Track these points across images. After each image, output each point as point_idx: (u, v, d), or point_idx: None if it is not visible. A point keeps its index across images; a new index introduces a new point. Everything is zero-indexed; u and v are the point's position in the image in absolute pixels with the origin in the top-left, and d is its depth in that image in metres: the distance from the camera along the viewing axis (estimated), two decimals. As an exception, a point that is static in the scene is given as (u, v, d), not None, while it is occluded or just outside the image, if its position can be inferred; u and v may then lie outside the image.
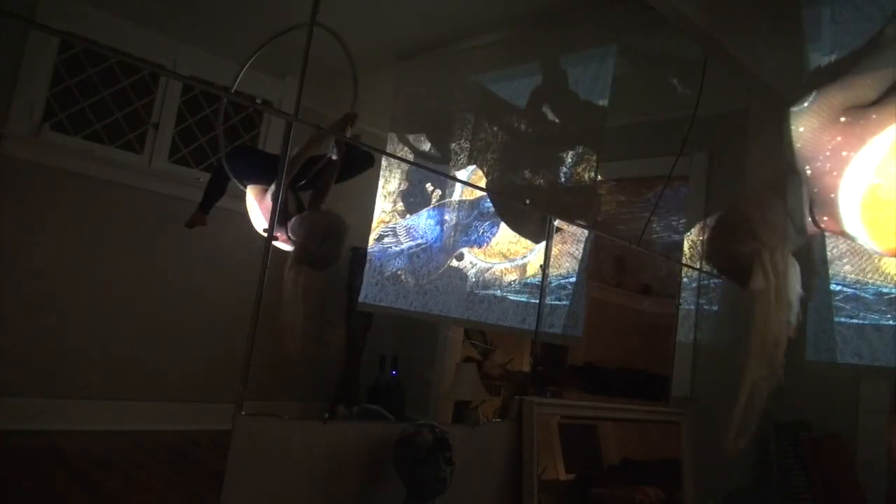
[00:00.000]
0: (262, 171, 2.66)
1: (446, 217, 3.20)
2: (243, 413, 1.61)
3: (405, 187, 3.32)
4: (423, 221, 3.22)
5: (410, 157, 3.34)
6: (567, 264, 2.92)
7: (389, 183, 3.35)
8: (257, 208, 2.57)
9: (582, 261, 2.90)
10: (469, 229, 3.14)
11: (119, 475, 2.51)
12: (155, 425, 3.07)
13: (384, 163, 3.33)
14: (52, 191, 2.93)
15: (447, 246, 3.14)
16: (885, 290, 2.64)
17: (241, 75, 2.46)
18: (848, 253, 2.76)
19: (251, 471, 1.63)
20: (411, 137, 3.32)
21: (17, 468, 2.38)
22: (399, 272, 3.20)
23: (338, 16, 2.03)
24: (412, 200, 3.28)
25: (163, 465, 2.77)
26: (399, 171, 3.32)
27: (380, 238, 3.29)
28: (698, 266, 3.16)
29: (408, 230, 3.25)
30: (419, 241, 3.19)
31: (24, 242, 2.84)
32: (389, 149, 3.31)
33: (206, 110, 3.40)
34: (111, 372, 3.00)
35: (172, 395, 3.13)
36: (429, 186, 3.25)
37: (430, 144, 3.35)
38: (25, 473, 2.35)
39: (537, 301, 2.64)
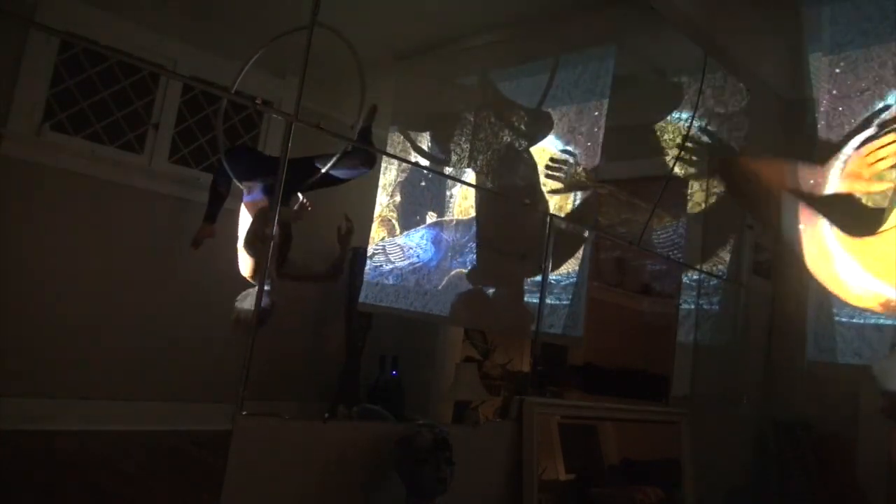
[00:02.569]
0: (261, 170, 2.67)
1: (442, 237, 3.20)
2: (243, 413, 1.61)
3: (402, 178, 3.32)
4: (417, 241, 3.22)
5: (410, 155, 3.35)
6: (567, 264, 2.92)
7: (387, 174, 3.35)
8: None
9: (582, 261, 2.90)
10: (464, 250, 3.14)
11: (119, 475, 2.51)
12: (155, 425, 3.07)
13: (383, 161, 3.33)
14: (52, 191, 2.92)
15: (442, 266, 3.13)
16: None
17: (241, 75, 2.46)
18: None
19: (251, 471, 1.63)
20: (411, 137, 3.32)
21: (17, 468, 2.38)
22: (393, 289, 3.20)
23: (338, 16, 2.03)
24: (408, 210, 3.28)
25: (163, 465, 2.77)
26: (396, 163, 3.33)
27: (371, 256, 3.29)
28: (698, 266, 3.16)
29: (401, 248, 3.25)
30: (412, 260, 3.19)
31: (24, 242, 2.83)
32: (389, 147, 3.31)
33: (206, 110, 3.40)
34: (111, 372, 3.00)
35: (172, 395, 3.13)
36: (430, 214, 3.24)
37: (429, 144, 3.35)
38: (25, 473, 2.35)
39: (537, 301, 2.64)
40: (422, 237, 3.21)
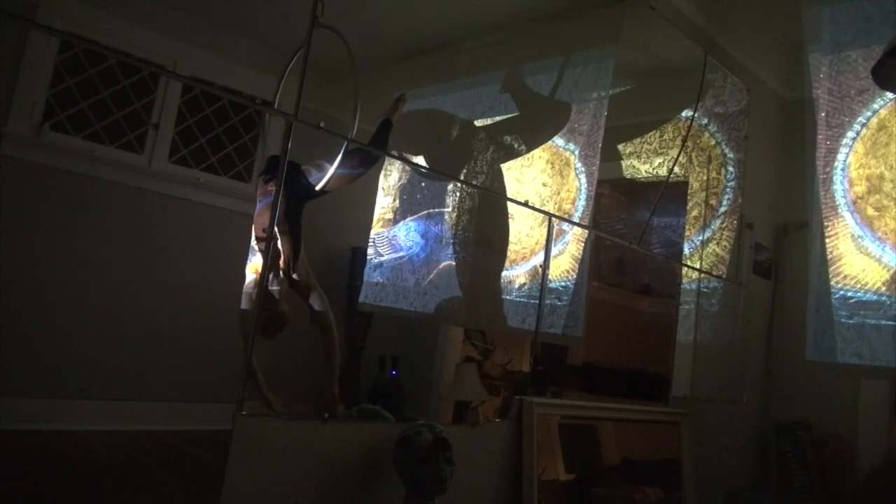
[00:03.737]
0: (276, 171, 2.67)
1: (430, 229, 3.19)
2: (243, 413, 1.61)
3: (405, 180, 3.32)
4: (406, 233, 3.22)
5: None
6: (567, 265, 2.92)
7: (389, 177, 3.35)
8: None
9: (582, 261, 2.90)
10: (452, 242, 3.13)
11: (119, 475, 2.51)
12: (155, 425, 3.07)
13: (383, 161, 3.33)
14: (52, 191, 2.93)
15: (431, 259, 3.13)
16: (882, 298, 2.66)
17: (279, 89, 2.44)
18: (847, 253, 2.76)
19: (251, 471, 1.63)
20: (410, 138, 3.31)
21: (18, 468, 2.38)
22: (381, 284, 3.19)
23: (338, 16, 2.03)
24: (409, 211, 3.27)
25: (163, 465, 2.76)
26: (398, 164, 3.33)
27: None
28: (698, 266, 3.17)
29: (389, 241, 3.24)
30: (402, 253, 3.19)
31: (24, 242, 2.83)
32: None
33: (206, 110, 3.40)
34: (111, 372, 3.00)
35: (172, 395, 3.13)
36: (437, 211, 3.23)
37: (428, 145, 3.34)
38: (25, 473, 2.35)
39: (537, 301, 2.64)
40: (411, 229, 3.21)
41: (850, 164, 2.77)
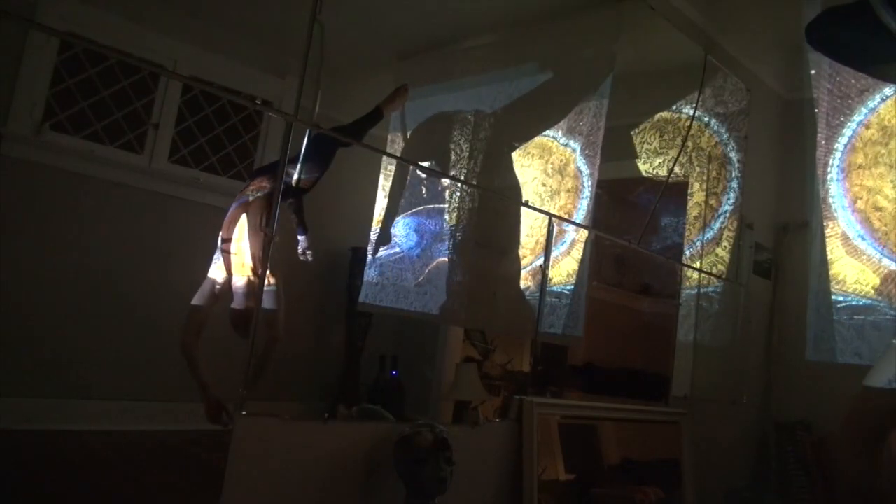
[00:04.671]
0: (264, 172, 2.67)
1: (425, 225, 3.19)
2: (243, 413, 1.61)
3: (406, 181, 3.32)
4: (403, 231, 3.21)
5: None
6: (572, 268, 2.92)
7: (390, 178, 3.34)
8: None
9: (582, 261, 2.90)
10: (445, 238, 3.13)
11: (119, 475, 2.51)
12: (155, 425, 3.06)
13: (384, 161, 3.33)
14: (52, 191, 2.92)
15: (426, 255, 3.13)
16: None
17: (318, 94, 2.43)
18: (842, 255, 2.76)
19: (251, 471, 1.63)
20: (410, 139, 3.31)
21: (18, 468, 2.38)
22: (381, 283, 3.19)
23: (338, 15, 2.03)
24: (407, 206, 3.27)
25: (163, 465, 2.76)
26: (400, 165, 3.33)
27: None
28: (698, 266, 3.17)
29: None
30: (395, 249, 3.19)
31: (24, 242, 2.83)
32: (389, 148, 3.31)
33: (206, 110, 3.40)
34: (111, 372, 3.00)
35: (172, 395, 3.13)
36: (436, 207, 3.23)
37: (428, 145, 3.34)
38: (25, 473, 2.34)
39: (537, 301, 2.64)
40: (409, 226, 3.21)
41: (849, 164, 2.77)
